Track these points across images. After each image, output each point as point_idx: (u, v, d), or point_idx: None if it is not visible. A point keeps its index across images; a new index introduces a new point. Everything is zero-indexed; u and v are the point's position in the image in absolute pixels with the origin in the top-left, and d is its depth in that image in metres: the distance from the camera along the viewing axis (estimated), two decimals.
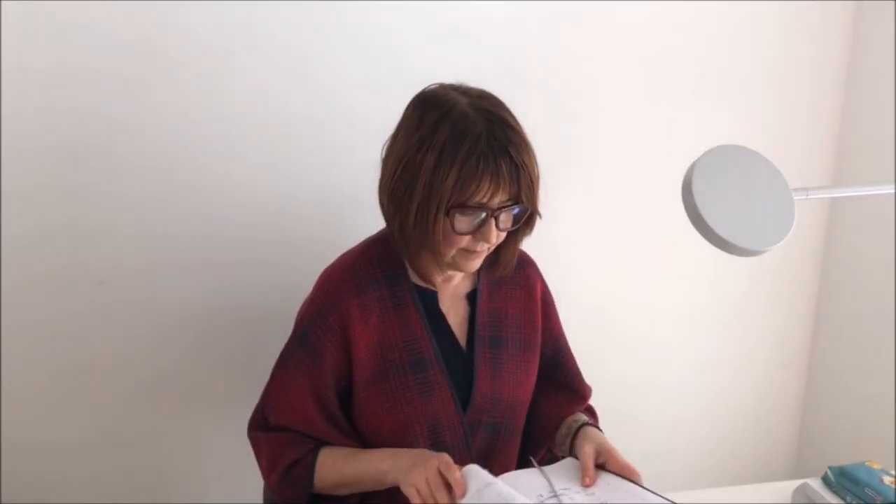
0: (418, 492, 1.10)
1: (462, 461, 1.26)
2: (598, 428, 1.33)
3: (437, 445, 1.24)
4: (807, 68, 1.98)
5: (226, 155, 1.61)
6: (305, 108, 1.63)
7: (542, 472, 1.20)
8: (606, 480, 1.16)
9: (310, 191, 1.69)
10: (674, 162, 1.87)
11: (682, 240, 1.96)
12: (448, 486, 1.10)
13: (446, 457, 1.13)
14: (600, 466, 1.19)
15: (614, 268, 1.95)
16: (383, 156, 1.22)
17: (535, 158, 1.15)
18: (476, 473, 1.15)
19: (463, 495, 1.09)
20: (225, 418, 1.75)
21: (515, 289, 1.35)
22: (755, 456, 2.26)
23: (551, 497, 1.14)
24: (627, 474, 1.17)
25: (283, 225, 1.70)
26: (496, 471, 1.27)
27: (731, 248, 0.92)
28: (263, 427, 1.28)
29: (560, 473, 1.20)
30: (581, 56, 1.79)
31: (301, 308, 1.32)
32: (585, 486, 1.16)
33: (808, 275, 2.14)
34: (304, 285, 1.70)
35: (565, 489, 1.16)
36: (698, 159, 0.93)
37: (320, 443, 1.25)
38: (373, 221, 1.43)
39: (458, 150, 1.10)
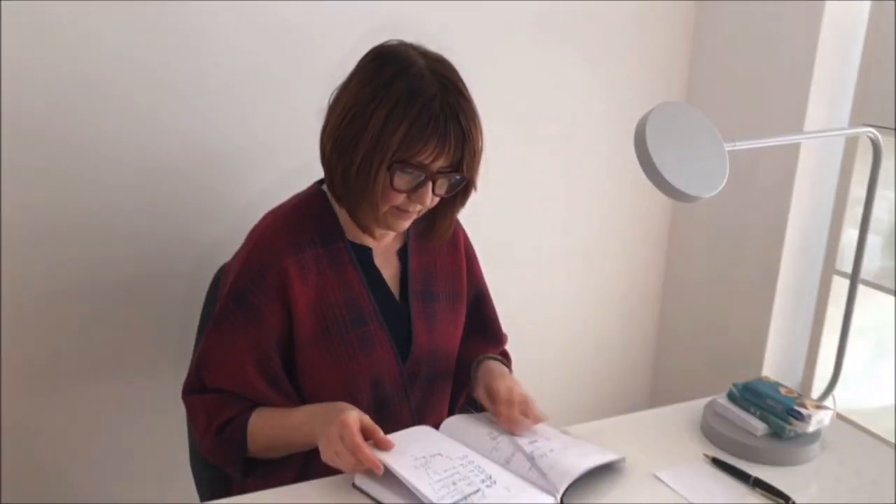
0: (333, 461, 1.11)
1: (401, 410, 1.32)
2: (499, 360, 1.40)
3: (379, 397, 1.28)
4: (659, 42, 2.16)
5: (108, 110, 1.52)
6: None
7: (487, 418, 1.27)
8: (547, 435, 1.24)
9: (187, 150, 1.63)
10: (546, 121, 2.03)
11: (546, 186, 2.12)
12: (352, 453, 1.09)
13: (348, 417, 1.11)
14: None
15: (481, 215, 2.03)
16: (330, 102, 1.21)
17: (481, 131, 1.19)
18: (424, 438, 1.19)
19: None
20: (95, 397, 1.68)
21: (442, 244, 1.39)
22: (614, 388, 2.49)
23: (501, 435, 1.22)
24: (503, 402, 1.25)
25: (164, 190, 1.63)
26: (431, 418, 1.35)
27: (678, 195, 1.02)
28: (199, 389, 1.25)
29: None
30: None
31: (231, 268, 1.28)
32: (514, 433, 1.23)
33: (659, 219, 2.36)
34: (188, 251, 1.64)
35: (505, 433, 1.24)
36: (648, 116, 1.02)
37: (257, 404, 1.24)
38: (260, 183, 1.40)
39: (411, 107, 1.12)
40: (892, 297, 1.82)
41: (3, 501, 1.61)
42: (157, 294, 1.66)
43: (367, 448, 1.08)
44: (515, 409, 1.24)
